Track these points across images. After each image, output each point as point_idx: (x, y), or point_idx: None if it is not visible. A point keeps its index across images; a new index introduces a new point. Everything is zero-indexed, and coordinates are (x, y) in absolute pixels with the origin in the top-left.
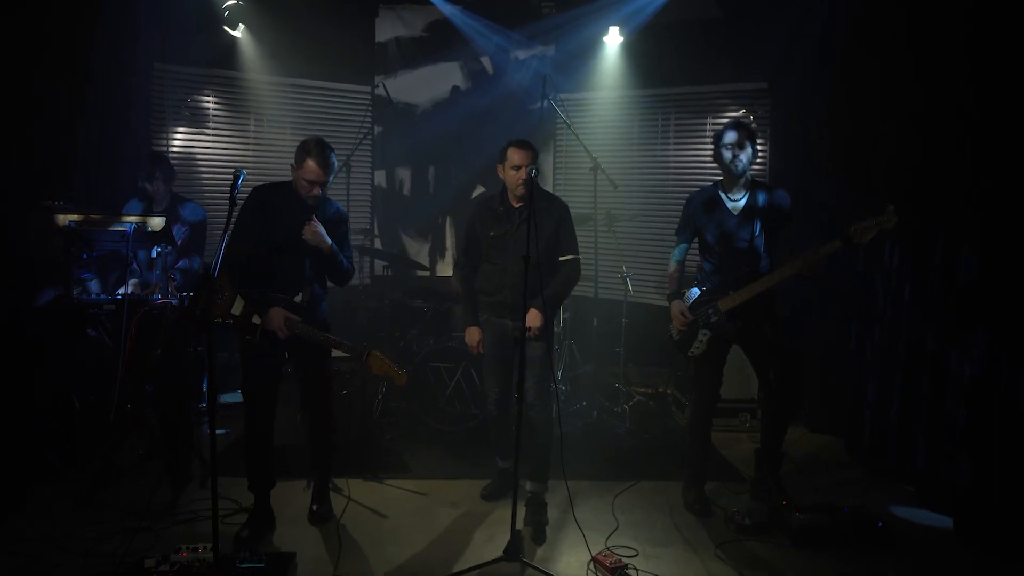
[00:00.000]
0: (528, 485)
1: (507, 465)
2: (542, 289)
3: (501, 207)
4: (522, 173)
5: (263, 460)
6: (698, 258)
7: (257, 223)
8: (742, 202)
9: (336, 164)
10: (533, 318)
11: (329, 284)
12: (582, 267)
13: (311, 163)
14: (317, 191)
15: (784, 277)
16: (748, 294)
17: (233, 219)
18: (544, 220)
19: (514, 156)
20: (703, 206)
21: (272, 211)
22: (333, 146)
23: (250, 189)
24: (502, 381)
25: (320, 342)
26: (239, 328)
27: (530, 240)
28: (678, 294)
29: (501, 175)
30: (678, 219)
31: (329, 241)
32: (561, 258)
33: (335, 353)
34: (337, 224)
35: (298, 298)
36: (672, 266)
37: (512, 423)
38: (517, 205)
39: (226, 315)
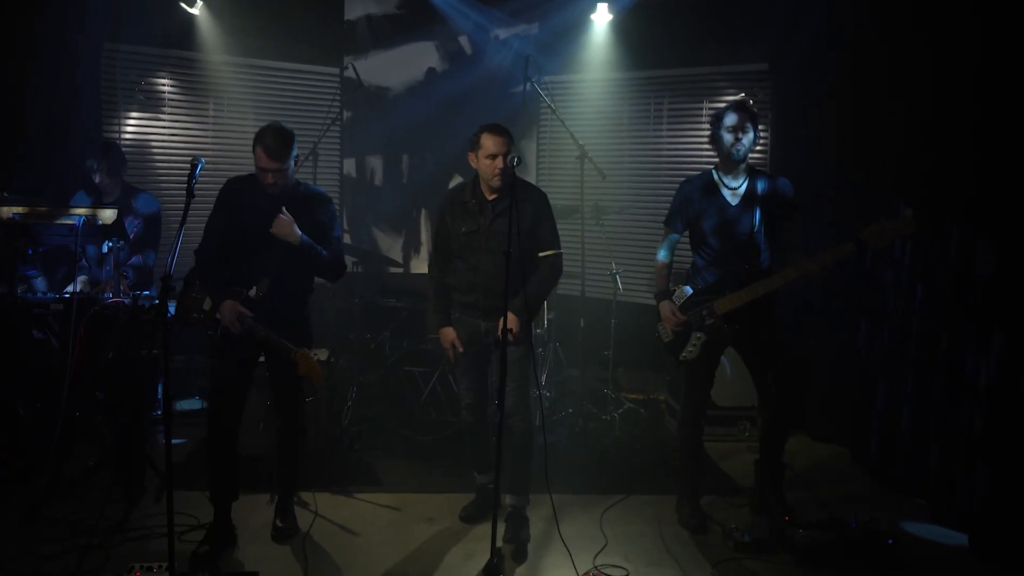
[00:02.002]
0: (508, 499)
1: (486, 480)
2: (523, 288)
3: (473, 200)
4: (498, 162)
5: (227, 463)
6: (688, 253)
7: (227, 216)
8: (741, 189)
9: (293, 148)
10: (510, 322)
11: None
12: (567, 263)
13: (258, 150)
14: (271, 179)
15: (789, 280)
16: (749, 296)
17: (191, 211)
18: (521, 212)
19: (488, 143)
20: (698, 191)
21: (240, 203)
22: (299, 133)
23: (210, 179)
24: (477, 385)
25: (263, 339)
26: (206, 324)
27: (511, 236)
28: (667, 293)
29: (474, 164)
30: None
31: (299, 234)
32: (541, 254)
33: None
34: (313, 209)
35: (252, 292)
36: (660, 260)
37: (489, 432)
38: (491, 197)
39: (199, 311)
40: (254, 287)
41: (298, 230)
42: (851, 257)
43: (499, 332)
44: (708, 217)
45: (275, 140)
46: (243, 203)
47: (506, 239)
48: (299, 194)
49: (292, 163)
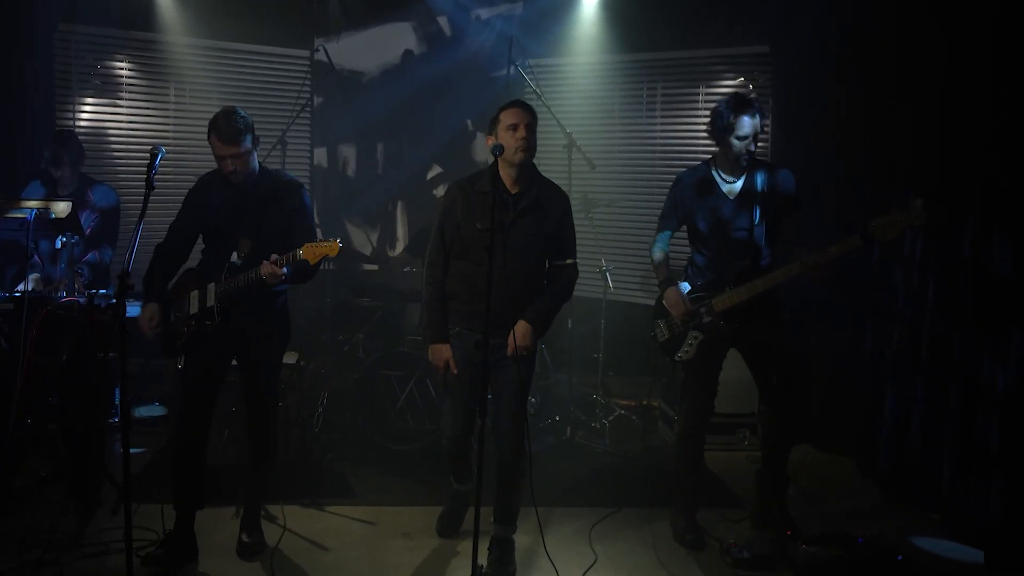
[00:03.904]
0: (494, 528)
1: (466, 488)
2: (546, 297)
3: (492, 192)
4: (520, 132)
5: (195, 468)
6: (686, 250)
7: (192, 213)
8: (739, 185)
9: (246, 128)
10: (524, 335)
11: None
12: None
13: (212, 138)
14: (230, 165)
15: (791, 275)
16: (748, 293)
17: (151, 204)
18: (547, 212)
19: (507, 116)
20: (694, 188)
21: (206, 198)
22: (266, 120)
23: (172, 169)
24: (467, 415)
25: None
26: (202, 318)
27: (531, 237)
28: (671, 281)
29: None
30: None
31: (282, 272)
32: (558, 262)
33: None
34: (284, 198)
35: (233, 257)
36: (657, 255)
37: (473, 456)
38: (514, 191)
39: (188, 322)
40: (233, 252)
41: (279, 271)
42: (858, 252)
43: (508, 350)
44: (704, 215)
45: (226, 122)
46: (210, 198)
47: (531, 241)
48: (268, 183)
49: (250, 145)
